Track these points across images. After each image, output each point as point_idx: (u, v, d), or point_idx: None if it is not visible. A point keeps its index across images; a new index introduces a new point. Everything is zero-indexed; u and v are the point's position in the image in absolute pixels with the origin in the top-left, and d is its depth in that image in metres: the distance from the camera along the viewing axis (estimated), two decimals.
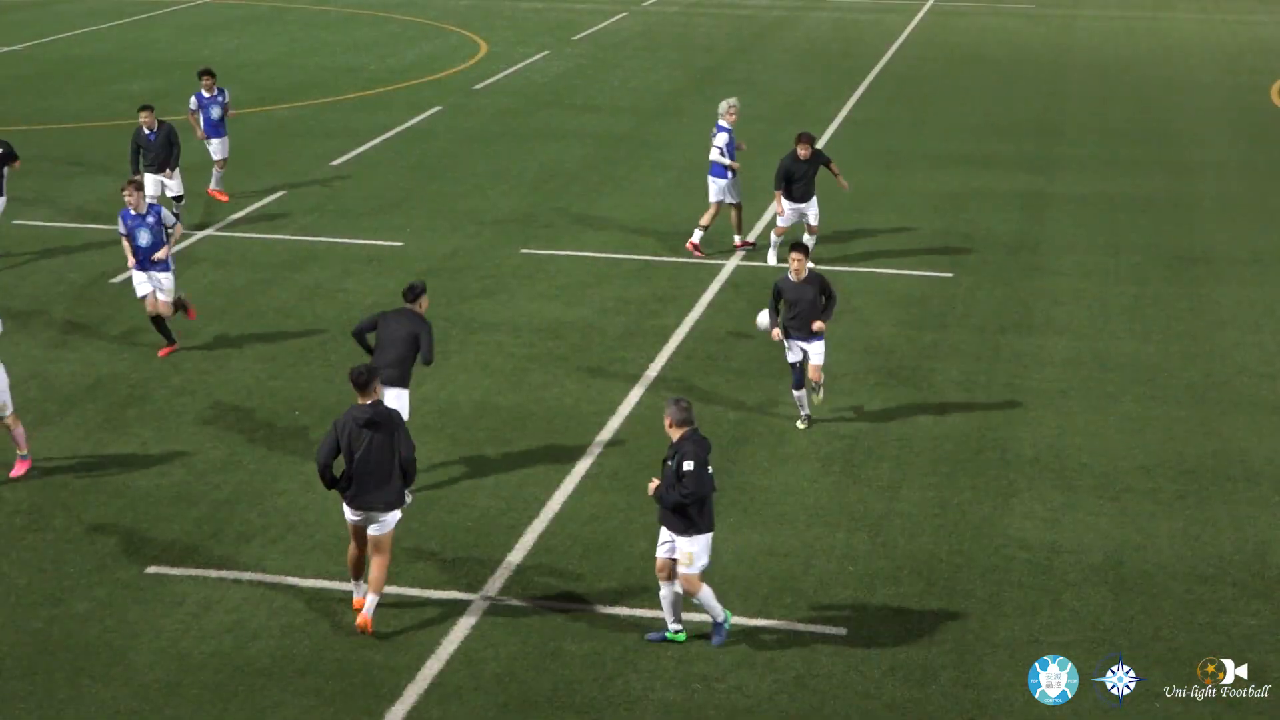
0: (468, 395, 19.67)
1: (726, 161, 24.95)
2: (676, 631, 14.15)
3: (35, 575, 15.29)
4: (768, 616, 14.63)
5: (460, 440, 17.98)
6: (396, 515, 14.28)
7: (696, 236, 25.58)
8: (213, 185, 28.53)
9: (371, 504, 14.07)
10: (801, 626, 14.50)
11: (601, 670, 13.72)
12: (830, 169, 24.55)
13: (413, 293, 17.05)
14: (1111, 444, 18.62)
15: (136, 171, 25.70)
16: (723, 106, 25.40)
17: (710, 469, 13.72)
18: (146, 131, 25.61)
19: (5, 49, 44.39)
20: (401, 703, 13.26)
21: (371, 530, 14.20)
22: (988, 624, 14.59)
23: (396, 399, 16.49)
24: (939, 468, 17.91)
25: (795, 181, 24.22)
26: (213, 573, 15.33)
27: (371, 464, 13.98)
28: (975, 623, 14.60)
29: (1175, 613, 14.83)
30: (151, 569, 15.41)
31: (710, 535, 13.86)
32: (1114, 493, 17.34)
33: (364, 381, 14.11)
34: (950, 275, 24.84)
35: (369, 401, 14.09)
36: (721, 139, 25.02)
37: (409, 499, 14.88)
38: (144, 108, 25.90)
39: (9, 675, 13.59)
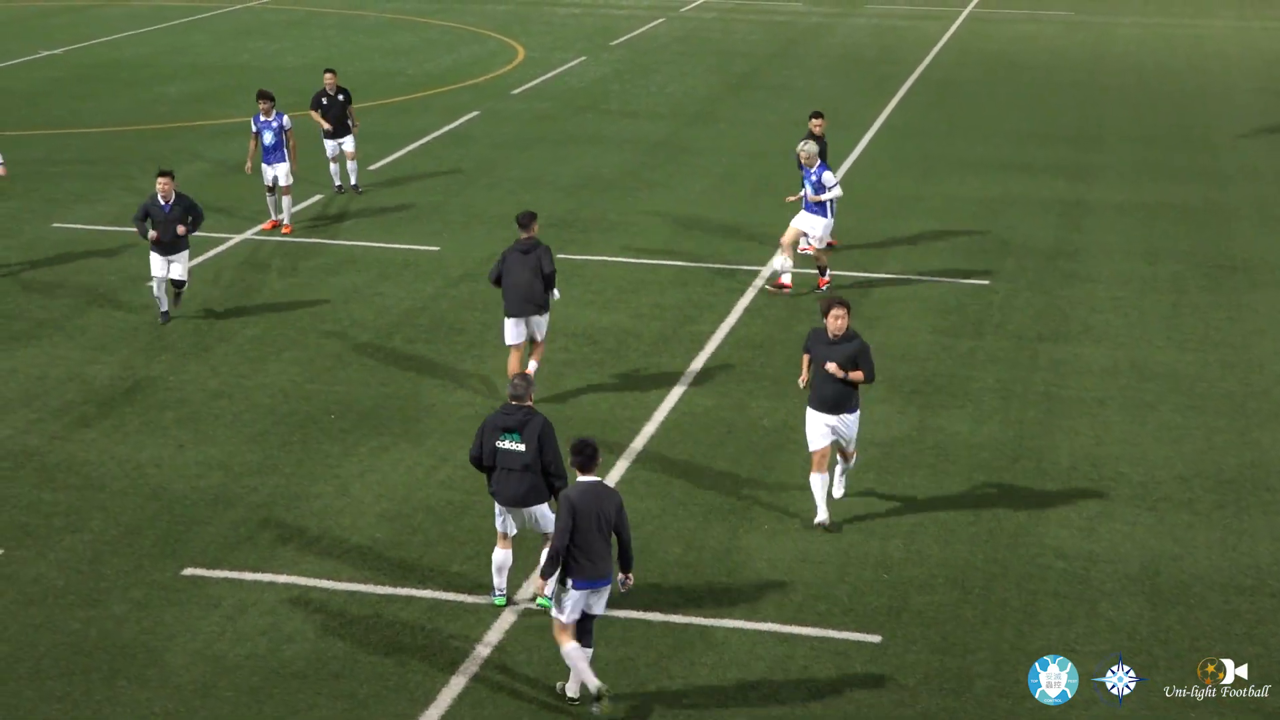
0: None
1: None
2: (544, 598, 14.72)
3: (73, 576, 15.37)
4: (802, 624, 14.61)
5: None
6: (546, 317, 19.35)
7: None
8: (282, 216, 27.08)
9: (524, 311, 19.05)
10: (836, 634, 14.47)
11: (635, 675, 13.72)
12: (855, 372, 16.09)
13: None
14: (1149, 453, 18.54)
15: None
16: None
17: (500, 443, 14.31)
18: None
19: (45, 53, 44.67)
20: (435, 706, 13.28)
21: (535, 337, 19.32)
22: (1023, 633, 14.54)
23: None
24: (974, 476, 17.85)
25: (823, 383, 16.13)
26: (249, 575, 15.39)
27: (521, 279, 18.94)
28: (1011, 632, 14.56)
29: (1212, 623, 14.75)
30: (188, 571, 15.48)
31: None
32: (1151, 502, 17.25)
33: (524, 221, 19.42)
34: (987, 282, 24.77)
35: (524, 237, 19.15)
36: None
37: (556, 295, 19.57)
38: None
39: (46, 675, 13.66)
